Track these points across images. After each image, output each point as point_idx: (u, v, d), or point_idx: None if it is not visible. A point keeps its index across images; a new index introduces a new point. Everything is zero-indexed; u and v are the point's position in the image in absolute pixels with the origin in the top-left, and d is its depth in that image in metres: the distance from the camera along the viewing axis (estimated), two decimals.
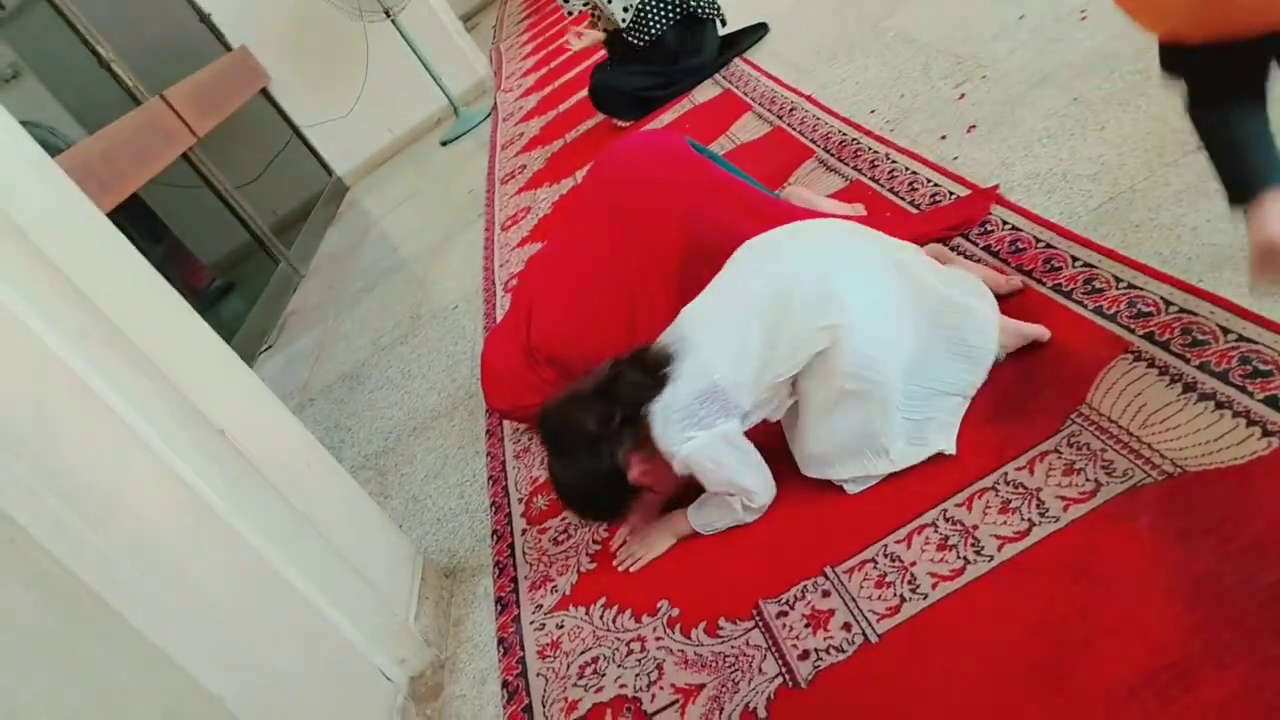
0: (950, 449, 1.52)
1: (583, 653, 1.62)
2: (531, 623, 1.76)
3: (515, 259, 3.38)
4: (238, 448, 1.58)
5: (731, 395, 1.54)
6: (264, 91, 5.84)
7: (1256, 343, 1.35)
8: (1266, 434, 1.24)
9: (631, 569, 1.71)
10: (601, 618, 1.67)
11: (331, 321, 4.16)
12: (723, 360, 1.55)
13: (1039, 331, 1.57)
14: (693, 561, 1.66)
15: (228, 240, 5.34)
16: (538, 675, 1.64)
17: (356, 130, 6.00)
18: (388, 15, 5.29)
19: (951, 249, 1.89)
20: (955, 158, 2.22)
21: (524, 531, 2.01)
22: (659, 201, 2.03)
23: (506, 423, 2.42)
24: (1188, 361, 1.39)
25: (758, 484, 1.60)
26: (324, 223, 5.78)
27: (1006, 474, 1.43)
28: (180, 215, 5.13)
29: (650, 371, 1.60)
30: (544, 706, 1.57)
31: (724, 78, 3.65)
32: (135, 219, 4.37)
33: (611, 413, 1.58)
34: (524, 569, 1.90)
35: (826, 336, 1.48)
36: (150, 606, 1.26)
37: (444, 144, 5.65)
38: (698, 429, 1.54)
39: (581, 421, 1.60)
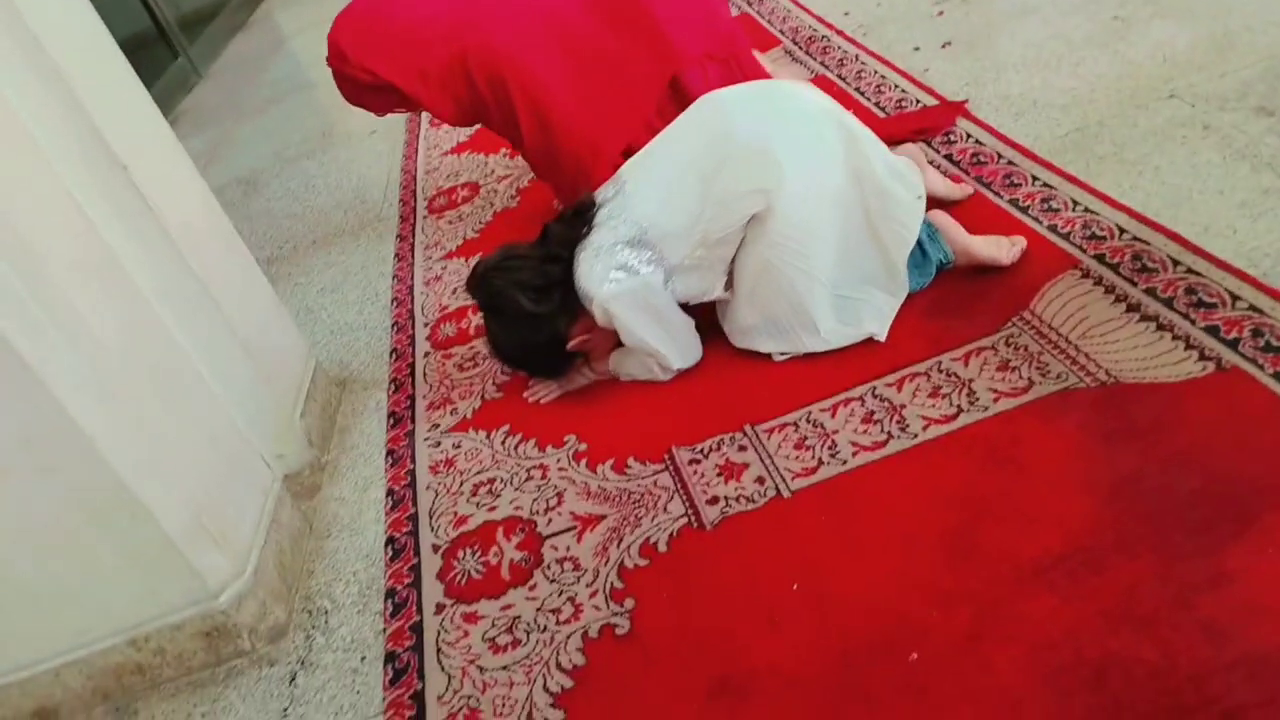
0: (881, 335, 1.51)
1: (479, 473, 1.56)
2: (426, 439, 1.68)
3: None
4: (140, 190, 1.42)
5: (659, 246, 1.48)
6: None
7: (1204, 277, 1.38)
8: (1203, 359, 1.27)
9: (543, 401, 1.65)
10: (503, 443, 1.61)
11: (229, 125, 3.86)
12: (653, 209, 1.50)
13: (992, 257, 1.54)
14: (608, 405, 1.61)
15: (122, 24, 4.86)
16: (427, 488, 1.57)
17: None
18: None
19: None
20: (926, 69, 2.19)
21: (427, 354, 1.92)
22: (665, 41, 1.88)
23: (420, 249, 2.30)
24: (1134, 285, 1.42)
25: (671, 349, 1.56)
26: (232, 28, 5.35)
27: (941, 363, 1.43)
28: None
29: (577, 215, 1.54)
30: (430, 518, 1.51)
31: None
32: None
33: (550, 284, 1.51)
34: (423, 389, 1.82)
35: (760, 200, 1.43)
36: (32, 331, 1.13)
37: None
38: (621, 272, 1.48)
39: (520, 293, 1.51)
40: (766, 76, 1.97)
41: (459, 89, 1.93)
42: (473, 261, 2.14)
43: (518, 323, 1.54)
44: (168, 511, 1.28)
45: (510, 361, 1.67)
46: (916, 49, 2.29)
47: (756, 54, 2.07)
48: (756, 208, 1.44)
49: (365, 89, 1.98)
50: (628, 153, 1.86)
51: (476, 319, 1.95)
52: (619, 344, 1.60)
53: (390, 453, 1.68)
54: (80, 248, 1.28)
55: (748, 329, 1.57)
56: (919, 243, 1.50)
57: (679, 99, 1.83)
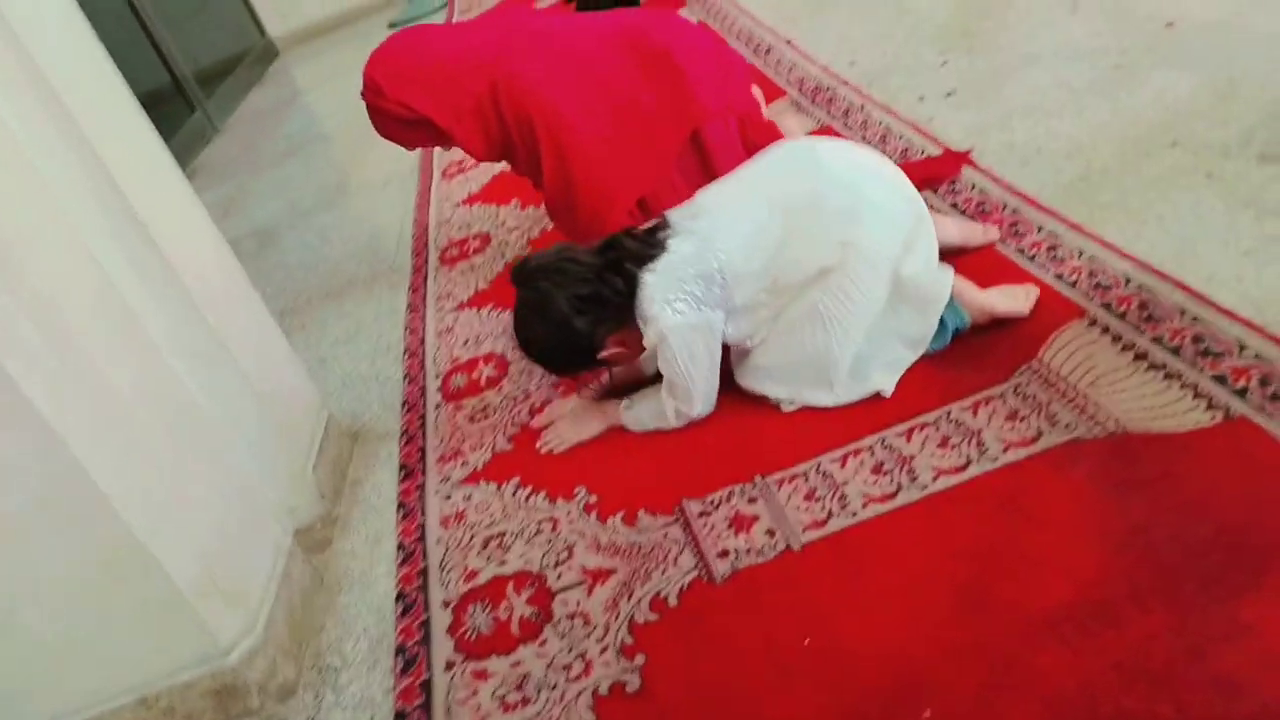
0: (888, 391, 1.51)
1: (489, 526, 1.57)
2: (437, 492, 1.69)
3: None
4: (157, 243, 1.45)
5: (730, 286, 1.49)
6: None
7: (1211, 325, 1.38)
8: (1211, 408, 1.26)
9: (555, 450, 1.66)
10: (514, 495, 1.61)
11: (245, 178, 3.93)
12: (735, 245, 1.50)
13: (1011, 309, 1.53)
14: (618, 455, 1.62)
15: (141, 79, 4.97)
16: (438, 542, 1.57)
17: None
18: None
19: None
20: (931, 119, 2.22)
21: (438, 405, 1.93)
22: (702, 90, 1.90)
23: (433, 300, 2.32)
24: (1142, 333, 1.42)
25: (702, 393, 1.56)
26: (248, 83, 5.46)
27: (950, 412, 1.43)
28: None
29: (651, 234, 1.54)
30: (441, 571, 1.51)
31: (700, 6, 3.58)
32: None
33: (601, 296, 1.51)
34: (434, 440, 1.83)
35: (839, 253, 1.44)
36: (52, 388, 1.14)
37: (392, 26, 5.39)
38: (686, 304, 1.48)
39: (567, 302, 1.51)
40: (778, 133, 2.00)
41: (490, 123, 1.96)
42: (484, 312, 2.18)
43: (554, 326, 1.54)
44: (180, 567, 1.29)
45: (532, 356, 1.66)
46: (921, 98, 2.32)
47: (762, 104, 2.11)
48: (833, 260, 1.45)
49: (399, 123, 2.02)
50: (642, 204, 1.89)
51: (488, 369, 1.97)
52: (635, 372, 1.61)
53: (401, 505, 1.69)
54: (98, 303, 1.31)
55: (761, 368, 1.57)
56: None
57: (699, 153, 1.87)
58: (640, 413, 1.62)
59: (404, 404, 1.98)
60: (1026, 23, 2.47)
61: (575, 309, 1.51)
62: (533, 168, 2.00)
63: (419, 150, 3.36)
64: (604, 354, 1.57)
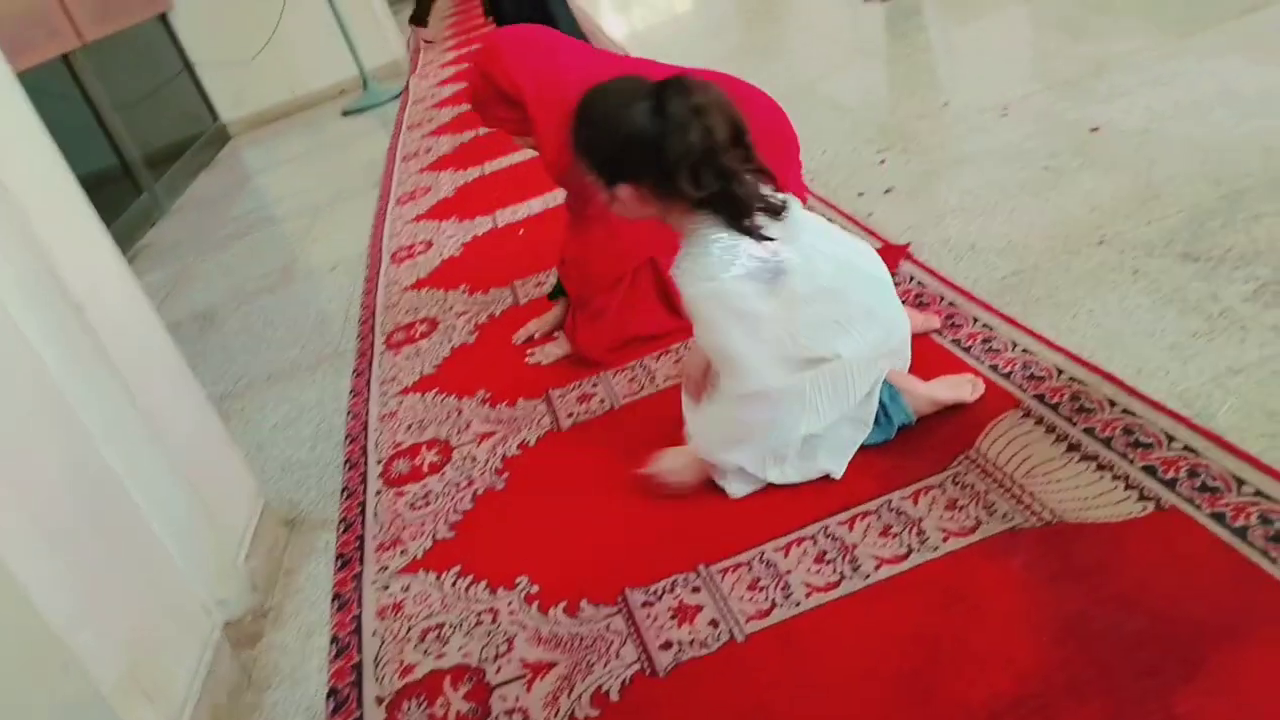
0: (838, 473, 1.52)
1: (427, 617, 1.53)
2: (374, 582, 1.64)
3: (408, 232, 3.27)
4: (94, 328, 1.43)
5: (779, 295, 1.42)
6: (161, 16, 5.51)
7: (1140, 418, 1.42)
8: (1143, 498, 1.29)
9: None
10: (454, 585, 1.58)
11: (190, 261, 3.90)
12: (799, 280, 1.43)
13: (956, 397, 1.57)
14: (562, 541, 1.60)
15: (91, 160, 4.95)
16: (374, 634, 1.53)
17: (255, 81, 5.74)
18: None
19: None
20: (870, 214, 2.29)
21: (379, 492, 1.90)
22: None
23: (377, 384, 2.31)
24: (1074, 424, 1.45)
25: (756, 358, 1.44)
26: (198, 166, 5.46)
27: (891, 501, 1.44)
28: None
29: (766, 204, 1.40)
30: (376, 666, 1.46)
31: None
32: None
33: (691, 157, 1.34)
34: (373, 528, 1.79)
35: (847, 346, 1.47)
36: None
37: (346, 114, 5.47)
38: (725, 268, 1.39)
39: (647, 116, 1.37)
40: None
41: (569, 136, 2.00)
42: (429, 397, 2.16)
43: (620, 119, 1.41)
44: (100, 664, 1.23)
45: (580, 120, 1.49)
46: (861, 194, 2.40)
47: None
48: (840, 350, 1.46)
49: (497, 95, 2.04)
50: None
51: (431, 455, 1.94)
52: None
53: (337, 597, 1.64)
54: (29, 388, 1.28)
55: (725, 422, 1.53)
56: (882, 404, 1.53)
57: None
58: (705, 432, 1.57)
59: (343, 490, 1.94)
60: (961, 125, 2.59)
61: (648, 134, 1.36)
62: (582, 197, 2.02)
63: (367, 237, 3.38)
64: (617, 189, 1.45)
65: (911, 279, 1.97)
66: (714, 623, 1.34)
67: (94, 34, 4.38)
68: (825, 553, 1.39)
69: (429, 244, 3.12)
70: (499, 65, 2.02)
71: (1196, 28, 2.76)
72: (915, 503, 1.43)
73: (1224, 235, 1.77)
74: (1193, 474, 1.29)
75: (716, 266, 1.40)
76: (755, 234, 1.40)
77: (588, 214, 2.00)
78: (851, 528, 1.42)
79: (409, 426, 2.08)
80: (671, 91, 1.37)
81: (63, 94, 4.42)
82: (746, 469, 1.54)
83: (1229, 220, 1.82)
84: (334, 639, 1.55)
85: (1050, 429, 1.46)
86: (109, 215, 4.57)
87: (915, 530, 1.38)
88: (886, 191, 2.36)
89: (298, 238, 3.74)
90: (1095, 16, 3.21)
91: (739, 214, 1.38)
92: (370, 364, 2.44)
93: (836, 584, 1.34)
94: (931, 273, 1.96)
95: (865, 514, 1.44)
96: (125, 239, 4.40)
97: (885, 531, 1.39)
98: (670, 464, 1.62)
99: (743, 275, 1.41)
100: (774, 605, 1.34)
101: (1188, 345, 1.54)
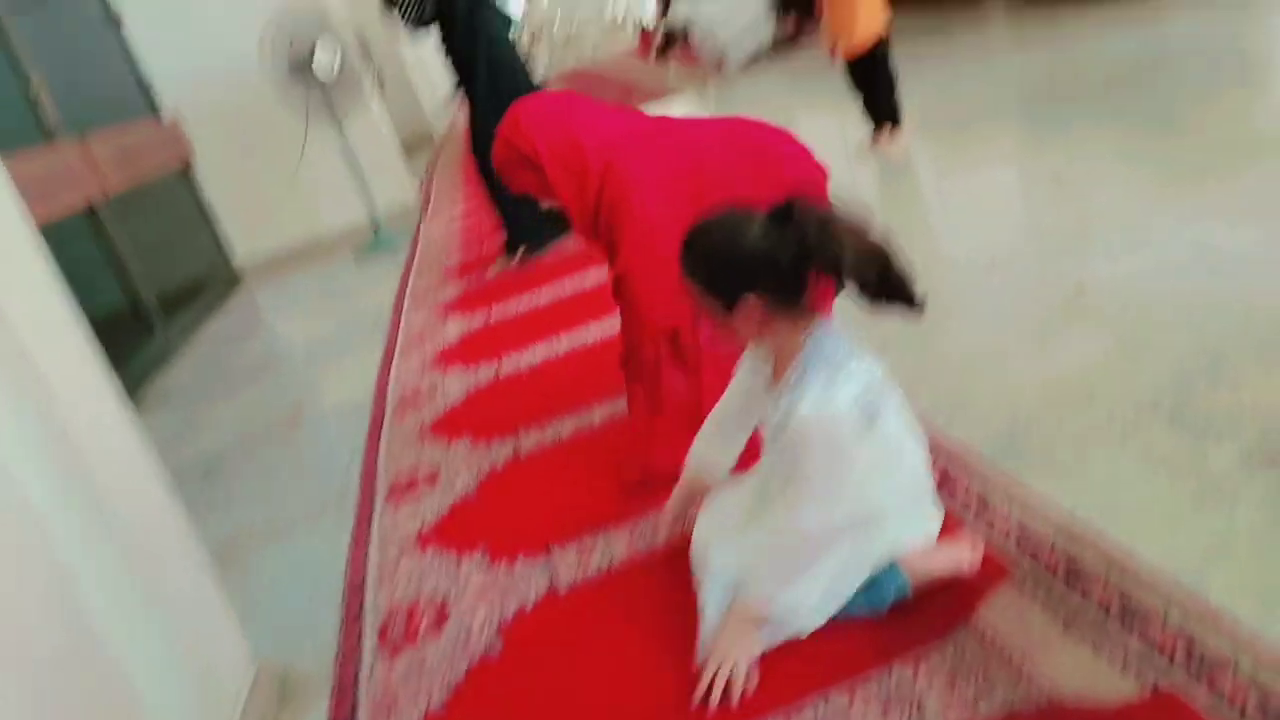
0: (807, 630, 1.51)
1: None
2: None
3: (413, 379, 3.32)
4: (96, 485, 1.45)
5: (874, 422, 1.42)
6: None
7: (1135, 589, 1.42)
8: (1140, 678, 1.28)
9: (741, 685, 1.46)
10: None
11: (199, 405, 3.95)
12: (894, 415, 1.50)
13: (954, 571, 1.55)
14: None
15: (102, 301, 5.07)
16: None
17: (269, 225, 5.94)
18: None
19: None
20: None
21: (374, 655, 1.88)
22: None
23: (376, 537, 2.31)
24: (1069, 598, 1.45)
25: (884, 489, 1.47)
26: (209, 308, 5.59)
27: (891, 671, 1.43)
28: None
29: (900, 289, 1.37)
30: None
31: None
32: None
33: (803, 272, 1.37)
34: (366, 698, 1.76)
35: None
36: None
37: (357, 260, 5.62)
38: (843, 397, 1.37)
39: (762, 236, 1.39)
40: None
41: (588, 199, 2.11)
42: (430, 553, 2.16)
43: (735, 240, 1.41)
44: None
45: (691, 245, 1.47)
46: None
47: None
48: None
49: (519, 160, 2.17)
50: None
51: (428, 618, 1.93)
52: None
53: None
54: (14, 533, 1.28)
55: (818, 535, 1.45)
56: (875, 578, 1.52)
57: None
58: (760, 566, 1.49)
59: (338, 654, 1.92)
60: (949, 283, 2.66)
61: (764, 249, 1.38)
62: (608, 251, 2.15)
63: (372, 385, 3.43)
64: (738, 309, 1.43)
65: None
66: None
67: (117, 186, 4.56)
68: None
69: (434, 391, 3.17)
70: (518, 132, 2.18)
71: (1178, 182, 2.87)
72: (915, 678, 1.41)
73: (1210, 397, 1.81)
74: (1189, 652, 1.29)
75: (841, 388, 1.38)
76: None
77: (622, 257, 2.08)
78: (852, 704, 1.40)
79: (407, 584, 2.08)
80: (793, 208, 1.38)
81: (83, 239, 4.57)
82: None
83: (1214, 381, 1.85)
84: None
85: (1047, 600, 1.46)
86: (120, 357, 4.67)
87: (915, 707, 1.36)
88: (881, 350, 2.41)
89: (306, 384, 3.81)
90: (1081, 167, 3.35)
91: (896, 297, 1.36)
92: (370, 517, 2.45)
93: None
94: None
95: (866, 682, 1.42)
96: (136, 381, 4.47)
97: (885, 710, 1.38)
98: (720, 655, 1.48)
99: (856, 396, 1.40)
100: None
101: (1179, 515, 1.55)
